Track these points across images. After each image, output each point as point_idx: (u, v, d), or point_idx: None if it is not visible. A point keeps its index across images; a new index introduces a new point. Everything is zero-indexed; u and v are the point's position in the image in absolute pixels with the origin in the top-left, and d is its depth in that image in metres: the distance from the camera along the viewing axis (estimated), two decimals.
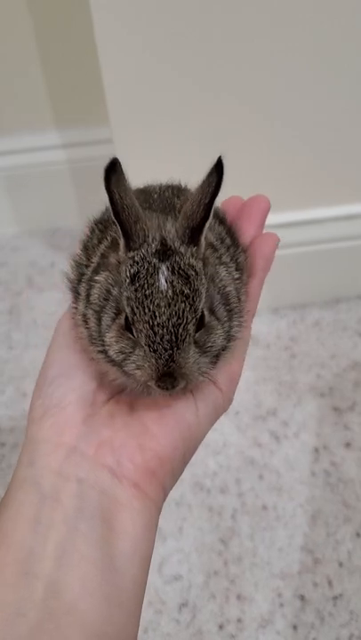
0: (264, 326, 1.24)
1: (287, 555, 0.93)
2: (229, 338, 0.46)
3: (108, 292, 0.46)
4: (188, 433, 0.47)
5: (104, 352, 0.46)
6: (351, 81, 0.99)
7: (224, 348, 0.46)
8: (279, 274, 1.22)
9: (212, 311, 0.45)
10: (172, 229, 0.45)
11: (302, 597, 0.88)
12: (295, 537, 0.94)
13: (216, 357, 0.45)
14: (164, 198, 0.56)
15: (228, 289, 0.47)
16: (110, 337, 0.45)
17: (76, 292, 0.50)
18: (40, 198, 1.43)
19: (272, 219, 1.17)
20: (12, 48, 1.24)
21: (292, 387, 1.14)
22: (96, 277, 0.47)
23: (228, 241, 0.53)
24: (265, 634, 0.85)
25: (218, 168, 0.44)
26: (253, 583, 0.90)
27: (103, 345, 0.46)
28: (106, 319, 0.46)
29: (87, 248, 0.52)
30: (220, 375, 0.49)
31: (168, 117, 0.99)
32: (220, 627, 0.86)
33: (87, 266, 0.50)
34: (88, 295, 0.48)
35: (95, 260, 0.49)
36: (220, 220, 0.55)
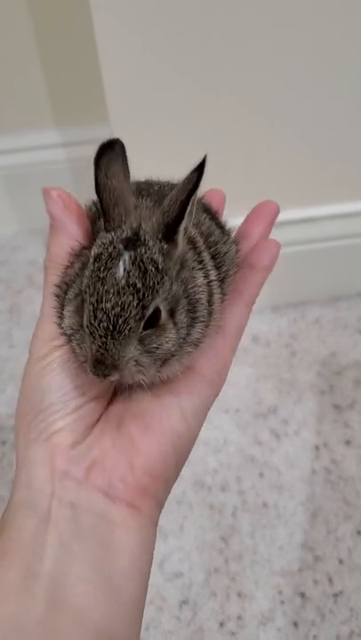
0: (264, 324, 1.25)
1: (288, 552, 0.93)
2: (183, 345, 0.45)
3: (82, 268, 0.46)
4: (177, 440, 0.46)
5: (60, 326, 0.46)
6: (351, 81, 0.99)
7: (173, 354, 0.44)
8: (280, 272, 1.22)
9: (172, 314, 0.44)
10: (150, 222, 0.44)
11: (303, 595, 0.89)
12: (296, 534, 0.95)
13: (162, 361, 0.44)
14: (163, 193, 0.54)
15: (198, 296, 0.46)
16: (68, 310, 0.45)
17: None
18: (40, 197, 1.42)
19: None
20: (12, 47, 1.24)
21: (292, 384, 1.14)
22: (80, 255, 0.48)
23: (215, 235, 0.52)
24: (265, 631, 0.86)
25: (200, 167, 0.43)
26: (254, 581, 0.90)
27: (61, 318, 0.46)
28: (70, 293, 0.46)
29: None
30: (209, 364, 0.49)
31: (168, 117, 0.99)
32: (221, 624, 0.87)
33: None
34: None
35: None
36: (212, 215, 0.55)
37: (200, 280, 0.47)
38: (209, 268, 0.49)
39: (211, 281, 0.48)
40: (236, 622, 0.87)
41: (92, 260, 0.42)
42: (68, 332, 0.45)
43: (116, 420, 0.47)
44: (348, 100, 1.02)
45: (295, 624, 0.86)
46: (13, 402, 1.14)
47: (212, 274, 0.49)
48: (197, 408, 0.48)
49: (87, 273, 0.42)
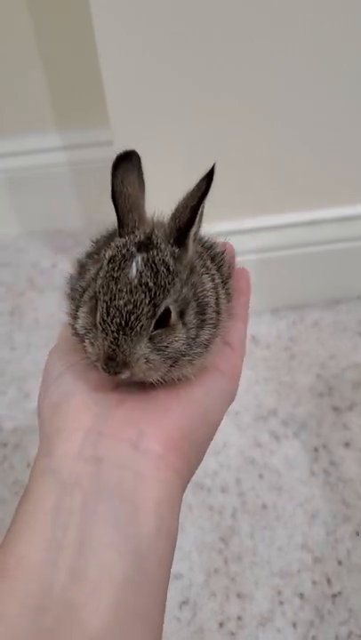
0: (264, 327, 1.25)
1: (287, 553, 0.93)
2: (192, 345, 0.46)
3: (98, 271, 0.47)
4: (203, 414, 0.47)
5: (75, 330, 0.47)
6: (351, 81, 1.00)
7: (184, 354, 0.45)
8: (279, 275, 1.23)
9: (182, 315, 0.46)
10: (161, 227, 0.46)
11: (302, 595, 0.89)
12: (295, 536, 0.95)
13: (172, 360, 0.45)
14: None
15: (207, 300, 0.48)
16: (82, 311, 0.47)
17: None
18: (42, 200, 1.44)
19: (273, 220, 1.19)
20: (13, 49, 1.25)
21: (291, 387, 1.15)
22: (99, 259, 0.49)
23: (207, 238, 0.55)
24: (265, 632, 0.86)
25: (209, 175, 0.45)
26: (253, 581, 0.91)
27: (75, 319, 0.47)
28: (86, 296, 0.48)
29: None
30: (225, 364, 0.50)
31: (168, 118, 0.99)
32: (221, 624, 0.87)
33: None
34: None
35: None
36: (212, 257, 0.55)
37: (208, 285, 0.49)
38: (213, 272, 0.51)
39: (217, 284, 0.50)
40: (236, 623, 0.87)
41: (105, 261, 0.44)
42: (82, 331, 0.46)
43: (136, 388, 0.47)
44: (348, 101, 1.02)
45: (294, 625, 0.86)
46: (15, 404, 1.15)
47: (217, 276, 0.51)
48: (217, 398, 0.49)
49: (101, 274, 0.44)
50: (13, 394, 1.16)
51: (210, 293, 0.49)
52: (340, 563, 0.92)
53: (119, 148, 1.08)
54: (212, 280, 0.50)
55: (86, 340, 0.46)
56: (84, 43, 1.18)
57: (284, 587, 0.90)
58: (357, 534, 0.95)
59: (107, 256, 0.45)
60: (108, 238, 0.55)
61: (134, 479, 0.42)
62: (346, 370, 1.17)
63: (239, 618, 0.88)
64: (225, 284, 0.53)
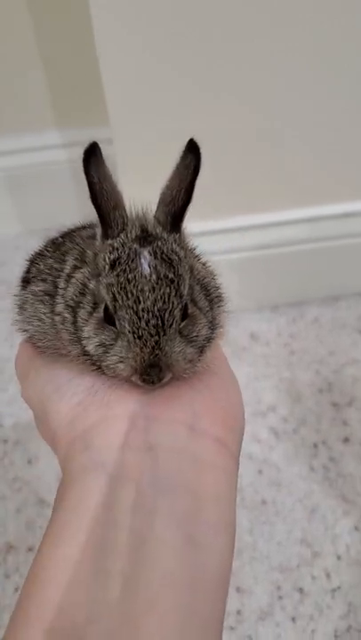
0: (264, 323, 1.26)
1: (286, 548, 0.94)
2: (213, 327, 0.44)
3: (85, 286, 0.43)
4: (237, 390, 0.46)
5: (83, 351, 0.42)
6: (351, 81, 1.00)
7: (209, 339, 0.43)
8: (279, 271, 1.24)
9: (193, 302, 0.43)
10: (151, 218, 0.44)
11: (301, 590, 0.90)
12: (294, 531, 0.96)
13: (201, 348, 0.43)
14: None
15: (206, 279, 0.46)
16: (88, 330, 0.42)
17: (51, 297, 0.46)
18: (41, 198, 1.45)
19: (272, 217, 1.19)
20: (12, 48, 1.25)
21: (291, 383, 1.15)
22: (73, 275, 0.45)
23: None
24: (264, 626, 0.87)
25: (192, 149, 0.42)
26: (253, 576, 0.91)
27: (80, 341, 0.42)
28: (82, 313, 0.43)
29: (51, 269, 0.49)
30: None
31: (167, 116, 1.00)
32: None
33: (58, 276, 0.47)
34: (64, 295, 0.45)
35: (67, 270, 0.46)
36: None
37: (200, 266, 0.47)
38: (197, 254, 0.49)
39: (207, 264, 0.49)
40: (236, 617, 0.88)
41: (107, 267, 0.40)
42: (99, 351, 0.41)
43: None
44: (347, 100, 1.02)
45: (293, 619, 0.87)
46: (15, 401, 1.15)
47: (205, 258, 0.50)
48: (231, 372, 0.48)
49: (106, 281, 0.40)
50: (13, 391, 1.17)
51: (203, 272, 0.47)
52: (339, 557, 0.92)
53: (119, 147, 1.09)
54: (202, 263, 0.48)
55: (110, 358, 0.40)
56: (83, 41, 1.18)
57: (283, 581, 0.91)
58: (356, 529, 0.95)
59: (107, 261, 0.41)
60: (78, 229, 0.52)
61: (193, 466, 0.38)
62: (345, 366, 1.17)
63: (238, 612, 0.88)
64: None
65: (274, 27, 0.92)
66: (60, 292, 0.45)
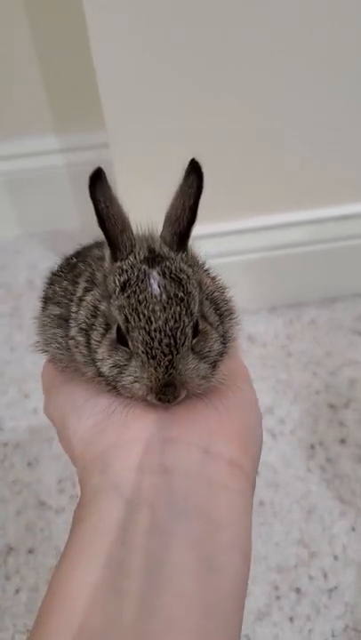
0: (261, 325, 1.26)
1: (284, 549, 0.95)
2: (225, 341, 0.45)
3: (96, 308, 0.44)
4: (255, 409, 0.45)
5: (98, 372, 0.43)
6: (351, 81, 1.00)
7: (221, 353, 0.44)
8: (276, 273, 1.25)
9: (204, 317, 0.44)
10: (158, 238, 0.45)
11: (298, 590, 0.90)
12: (292, 532, 0.97)
13: (214, 363, 0.43)
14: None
15: (215, 294, 0.47)
16: (102, 352, 0.43)
17: (66, 321, 0.47)
18: (40, 202, 1.46)
19: (270, 220, 1.20)
20: (11, 53, 1.26)
21: (288, 384, 1.16)
22: (84, 298, 0.46)
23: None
24: (262, 626, 0.87)
25: (194, 169, 0.43)
26: (251, 577, 0.92)
27: (94, 363, 0.43)
28: (95, 335, 0.44)
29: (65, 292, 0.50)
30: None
31: (164, 119, 1.00)
32: None
33: (71, 299, 0.48)
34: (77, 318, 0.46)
35: (78, 293, 0.47)
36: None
37: (208, 280, 0.48)
38: (209, 270, 0.50)
39: (215, 278, 0.49)
40: None
41: (118, 289, 0.41)
42: (113, 372, 0.42)
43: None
44: (347, 101, 1.03)
45: (291, 619, 0.88)
46: (15, 404, 1.16)
47: (210, 269, 0.49)
48: (249, 387, 0.48)
49: (118, 303, 0.41)
50: (13, 394, 1.18)
51: (212, 287, 0.47)
52: (336, 558, 0.93)
53: (115, 151, 1.10)
54: (212, 277, 0.49)
55: (125, 379, 0.41)
56: (82, 46, 1.19)
57: (280, 582, 0.91)
58: (353, 530, 0.96)
59: (117, 283, 0.41)
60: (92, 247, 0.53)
61: (208, 489, 0.38)
62: (342, 367, 1.18)
63: None
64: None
65: (273, 26, 0.92)
66: (73, 315, 0.46)
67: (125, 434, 0.41)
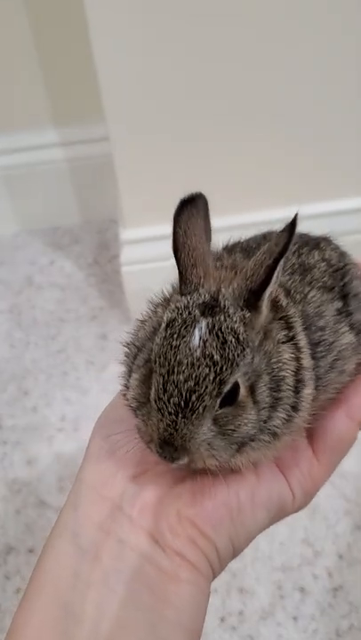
0: None
1: (288, 548, 0.94)
2: (264, 429, 0.39)
3: (155, 330, 0.41)
4: (237, 515, 0.41)
5: (124, 394, 0.42)
6: (352, 80, 1.00)
7: (253, 439, 0.39)
8: None
9: (252, 391, 0.39)
10: (231, 288, 0.40)
11: (302, 589, 0.89)
12: (296, 531, 0.95)
13: (238, 445, 0.39)
14: (250, 247, 0.50)
15: (283, 373, 0.40)
16: (135, 378, 0.41)
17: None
18: (39, 197, 1.44)
19: (269, 215, 1.18)
20: (10, 47, 1.24)
21: None
22: (153, 314, 0.45)
23: (326, 319, 0.44)
24: (266, 626, 0.86)
25: (291, 228, 0.38)
26: (255, 577, 0.91)
27: (127, 385, 0.42)
28: (140, 359, 0.42)
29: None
30: (296, 479, 0.44)
31: (165, 112, 0.99)
32: (222, 619, 0.87)
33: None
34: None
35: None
36: (343, 271, 0.48)
37: (287, 356, 0.41)
38: (303, 349, 0.42)
39: (302, 365, 0.41)
40: (238, 617, 0.87)
41: (163, 325, 0.38)
42: (133, 404, 0.41)
43: (180, 472, 0.43)
44: (349, 100, 1.02)
45: (295, 618, 0.87)
46: (14, 402, 1.15)
47: (305, 358, 0.42)
48: (270, 503, 0.43)
49: (157, 340, 0.38)
50: (13, 391, 1.16)
51: (287, 366, 0.40)
52: (340, 557, 0.92)
53: (115, 143, 1.08)
54: (296, 358, 0.41)
55: (139, 416, 0.40)
56: (81, 39, 1.17)
57: (285, 581, 0.90)
58: (358, 528, 0.95)
59: (165, 319, 0.39)
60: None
61: (154, 571, 0.39)
62: None
63: (240, 612, 0.88)
64: (319, 375, 0.43)
65: (272, 25, 0.92)
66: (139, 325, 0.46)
67: (102, 488, 0.42)
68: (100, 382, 1.16)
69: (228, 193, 1.11)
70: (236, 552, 0.43)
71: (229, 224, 1.14)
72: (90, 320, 1.27)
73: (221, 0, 0.88)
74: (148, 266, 1.11)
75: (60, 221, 1.48)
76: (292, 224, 0.38)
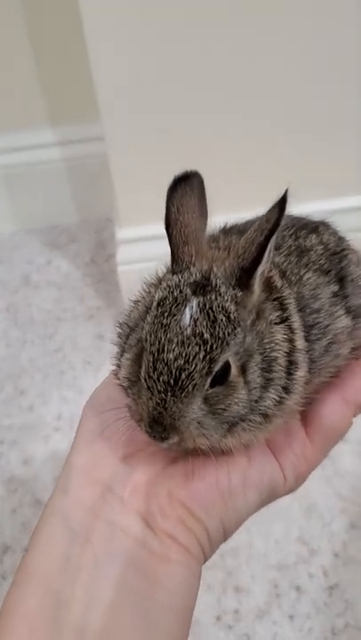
0: None
1: (283, 547, 0.94)
2: (255, 410, 0.39)
3: (147, 310, 0.40)
4: (228, 497, 0.41)
5: (116, 373, 0.42)
6: (352, 78, 1.00)
7: (243, 419, 0.39)
8: None
9: (243, 370, 0.38)
10: (223, 266, 0.39)
11: (298, 588, 0.90)
12: (291, 529, 0.96)
13: (229, 425, 0.38)
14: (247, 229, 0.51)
15: (275, 354, 0.40)
16: (127, 358, 0.41)
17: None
18: (37, 196, 1.44)
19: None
20: (6, 46, 1.24)
21: None
22: (152, 291, 0.44)
23: (321, 302, 0.44)
24: (262, 624, 0.87)
25: (280, 203, 0.38)
26: (250, 575, 0.91)
27: (119, 365, 0.42)
28: (132, 338, 0.42)
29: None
30: (288, 461, 0.44)
31: (160, 111, 0.99)
32: (218, 618, 0.88)
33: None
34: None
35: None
36: (341, 254, 0.47)
37: (279, 336, 0.40)
38: (297, 331, 0.42)
39: (295, 347, 0.41)
40: (233, 616, 0.88)
41: (155, 304, 0.38)
42: (125, 383, 0.41)
43: (172, 453, 0.43)
44: (349, 100, 1.02)
45: (291, 617, 0.87)
46: (10, 401, 1.15)
47: (299, 340, 0.41)
48: (261, 485, 0.43)
49: (149, 319, 0.38)
50: (9, 391, 1.16)
51: (279, 347, 0.40)
52: (336, 555, 0.92)
53: (110, 143, 1.08)
54: (290, 339, 0.41)
55: (130, 395, 0.40)
56: (78, 38, 1.17)
57: (280, 580, 0.91)
58: (353, 527, 0.95)
59: (156, 297, 0.39)
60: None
61: (145, 553, 0.39)
62: None
63: (236, 611, 0.88)
64: (313, 358, 0.42)
65: (270, 25, 0.92)
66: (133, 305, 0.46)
67: (92, 469, 0.42)
68: (96, 382, 1.15)
69: (227, 192, 1.11)
70: (226, 534, 0.43)
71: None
72: (87, 319, 1.27)
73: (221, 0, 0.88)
74: (145, 265, 1.10)
75: (58, 220, 1.48)
76: (283, 200, 0.37)
